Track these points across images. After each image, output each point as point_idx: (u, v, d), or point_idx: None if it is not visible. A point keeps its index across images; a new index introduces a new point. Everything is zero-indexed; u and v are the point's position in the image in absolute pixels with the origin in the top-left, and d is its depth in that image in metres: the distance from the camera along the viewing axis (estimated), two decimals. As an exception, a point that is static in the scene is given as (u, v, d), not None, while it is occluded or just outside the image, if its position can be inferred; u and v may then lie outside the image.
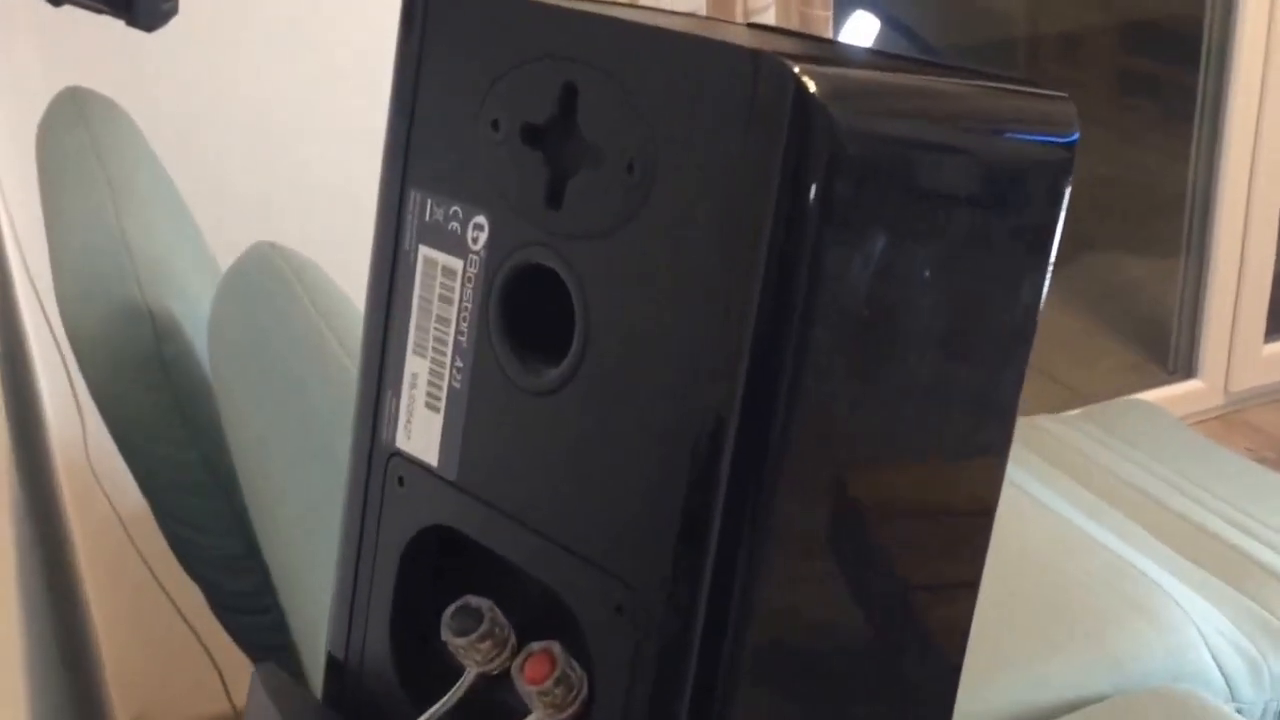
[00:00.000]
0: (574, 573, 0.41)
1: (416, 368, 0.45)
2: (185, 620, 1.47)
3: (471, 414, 0.43)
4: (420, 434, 0.45)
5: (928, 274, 0.38)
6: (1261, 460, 1.89)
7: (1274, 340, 2.50)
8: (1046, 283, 0.41)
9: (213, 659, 1.52)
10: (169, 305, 1.10)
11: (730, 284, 0.36)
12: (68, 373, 1.22)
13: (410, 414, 0.45)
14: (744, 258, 0.36)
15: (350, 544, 0.48)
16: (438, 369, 0.44)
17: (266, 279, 1.03)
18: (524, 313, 0.42)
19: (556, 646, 0.42)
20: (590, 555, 0.40)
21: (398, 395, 0.46)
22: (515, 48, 0.41)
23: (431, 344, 0.44)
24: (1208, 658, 1.20)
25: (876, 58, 0.44)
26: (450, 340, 0.44)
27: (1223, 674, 1.19)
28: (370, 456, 0.47)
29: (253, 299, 1.04)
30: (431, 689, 0.46)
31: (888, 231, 0.37)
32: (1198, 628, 1.21)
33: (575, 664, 0.42)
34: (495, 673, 0.44)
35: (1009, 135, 0.40)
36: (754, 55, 0.36)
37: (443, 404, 0.44)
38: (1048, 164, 0.40)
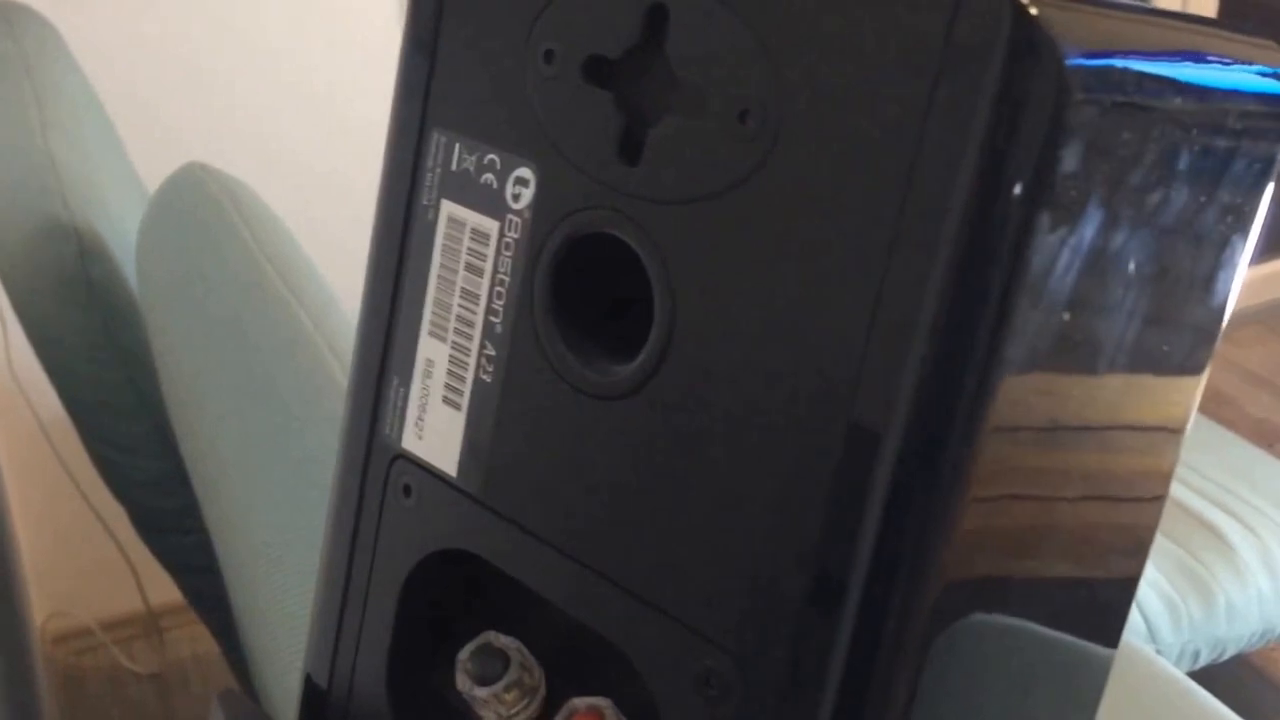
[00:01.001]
0: (639, 624, 0.28)
1: (433, 353, 0.31)
2: (103, 522, 1.31)
3: (504, 415, 0.30)
4: (435, 435, 0.31)
5: (1133, 267, 0.26)
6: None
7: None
8: (1241, 276, 0.29)
9: (128, 559, 1.37)
10: (95, 225, 0.93)
11: (894, 279, 0.24)
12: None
13: (423, 409, 0.32)
14: (917, 248, 0.23)
15: (338, 558, 0.34)
16: (460, 356, 0.31)
17: (198, 203, 0.87)
18: (583, 292, 0.29)
19: (608, 707, 0.30)
20: (665, 605, 0.27)
21: (406, 385, 0.32)
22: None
23: (453, 325, 0.31)
24: (1128, 599, 1.11)
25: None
26: (479, 321, 0.30)
27: (1142, 615, 1.10)
28: (367, 456, 0.33)
29: (183, 224, 0.87)
30: (433, 732, 0.33)
31: (1104, 213, 0.24)
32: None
33: (627, 726, 0.30)
34: (517, 723, 0.32)
35: (1243, 90, 0.27)
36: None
37: (465, 400, 0.31)
38: (1264, 129, 0.28)
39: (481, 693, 0.31)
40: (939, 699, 0.27)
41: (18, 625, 1.18)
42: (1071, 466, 0.27)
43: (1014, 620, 0.28)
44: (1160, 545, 1.20)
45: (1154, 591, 1.13)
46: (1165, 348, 0.29)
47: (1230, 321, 0.31)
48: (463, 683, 0.31)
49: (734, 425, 0.26)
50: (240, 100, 1.47)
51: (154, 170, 0.95)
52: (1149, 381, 0.29)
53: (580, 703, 0.30)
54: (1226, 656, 1.23)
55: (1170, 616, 1.13)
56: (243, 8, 1.45)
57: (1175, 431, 0.31)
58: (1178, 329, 0.29)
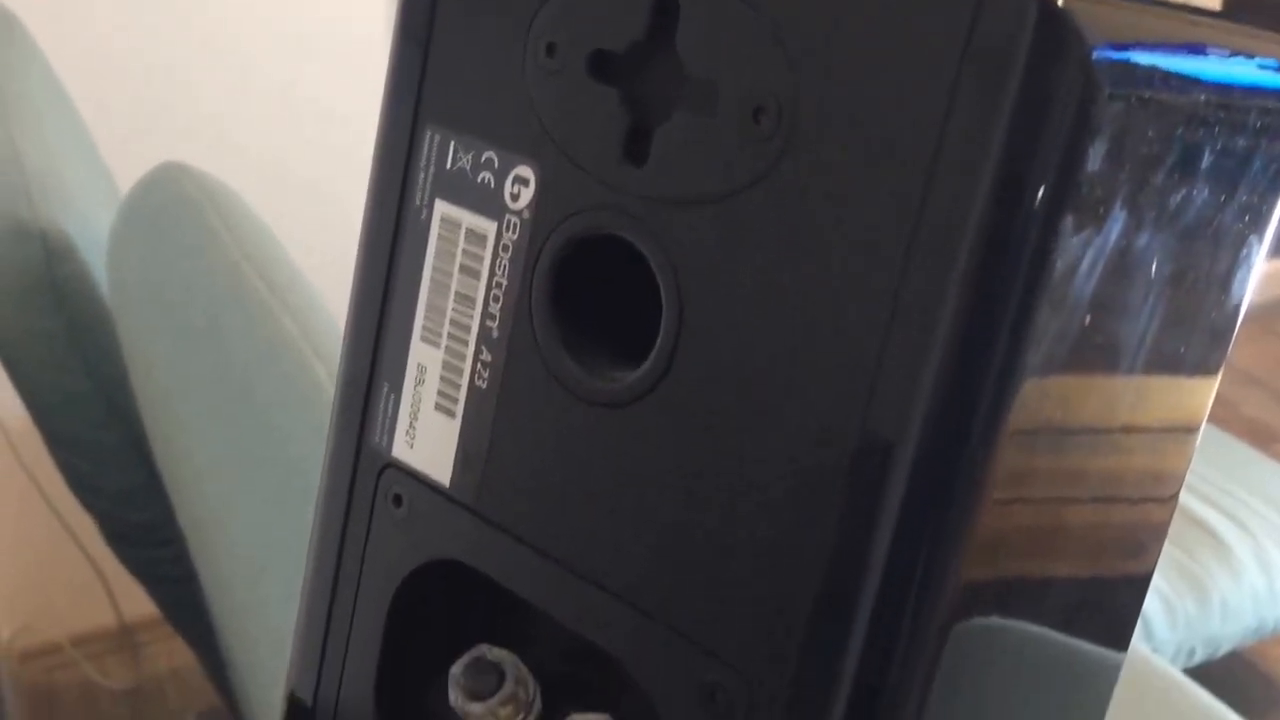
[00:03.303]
0: (641, 638, 0.27)
1: (425, 359, 0.31)
2: (72, 534, 1.30)
3: (500, 423, 0.29)
4: (427, 443, 0.31)
5: (1153, 268, 0.26)
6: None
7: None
8: (1257, 276, 0.29)
9: (100, 572, 1.36)
10: (63, 225, 0.92)
11: (911, 285, 0.23)
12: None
13: (414, 417, 0.31)
14: (936, 253, 0.23)
15: (324, 569, 0.33)
16: (454, 362, 0.30)
17: (173, 203, 0.86)
18: (584, 296, 0.29)
19: (608, 724, 0.29)
20: (669, 619, 0.27)
21: (397, 391, 0.31)
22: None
23: (447, 329, 0.30)
24: (1124, 599, 1.12)
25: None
26: (474, 326, 0.30)
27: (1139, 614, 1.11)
28: (355, 465, 0.32)
29: (158, 225, 0.86)
30: (425, 751, 0.32)
31: (1127, 213, 0.24)
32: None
33: (629, 745, 0.29)
34: (513, 740, 0.31)
35: (1264, 87, 0.27)
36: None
37: (460, 408, 0.30)
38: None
39: (475, 708, 0.30)
40: (947, 710, 0.26)
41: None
42: (1087, 469, 0.27)
43: (1025, 627, 0.28)
44: (1156, 547, 1.20)
45: (1150, 591, 1.14)
46: (1182, 349, 0.28)
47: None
48: (455, 698, 0.30)
49: (742, 434, 0.26)
50: (220, 100, 1.46)
51: (129, 172, 0.95)
52: (1166, 383, 0.29)
53: (580, 718, 0.29)
54: (1221, 653, 1.23)
55: (1166, 615, 1.13)
56: (223, 6, 1.44)
57: (1191, 432, 0.31)
58: (1195, 330, 0.28)
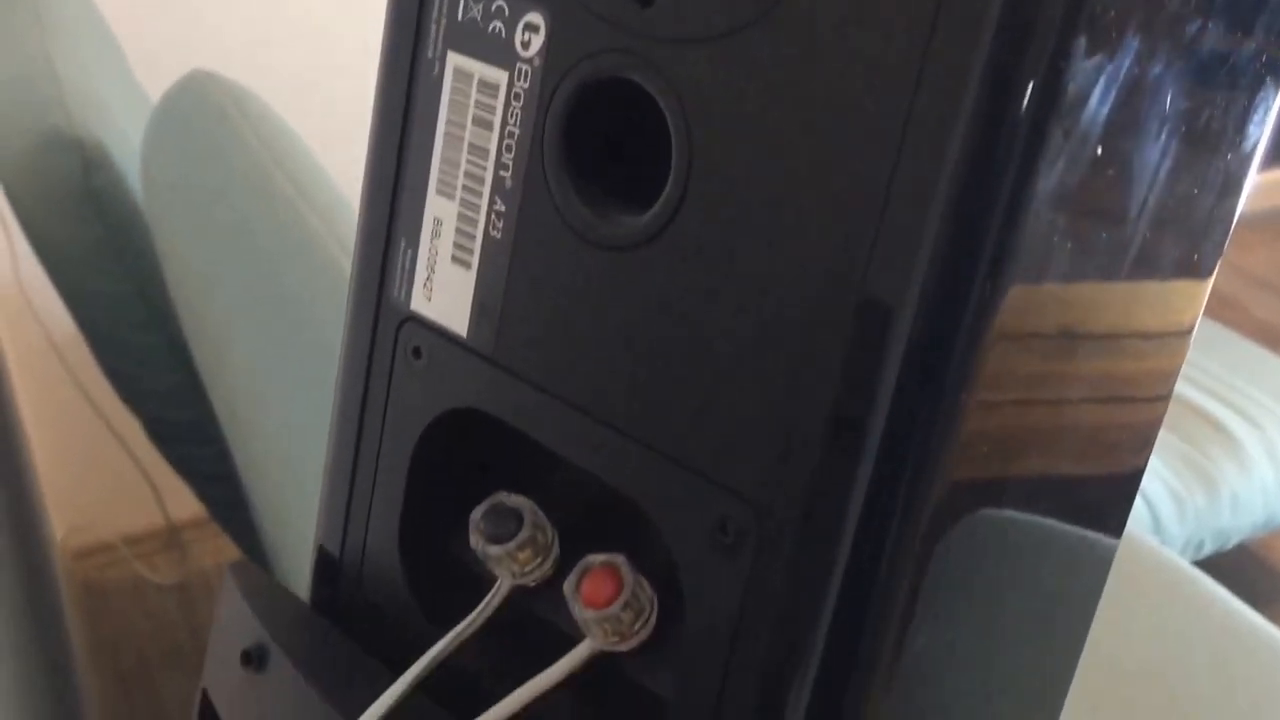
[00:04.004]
0: (654, 476, 0.27)
1: (441, 212, 0.30)
2: (120, 439, 1.31)
3: (515, 272, 0.29)
4: (445, 295, 0.31)
5: (1169, 103, 0.25)
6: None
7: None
8: (1270, 124, 0.28)
9: (147, 475, 1.37)
10: (98, 135, 0.92)
11: (917, 116, 0.23)
12: (-7, 203, 1.03)
13: (431, 270, 0.31)
14: (946, 78, 0.22)
15: (348, 424, 0.33)
16: (469, 214, 0.30)
17: (203, 111, 0.85)
18: (595, 142, 0.28)
19: (623, 562, 0.29)
20: (680, 455, 0.27)
21: (414, 246, 0.31)
22: None
23: (462, 181, 0.30)
24: (1135, 492, 1.11)
25: None
26: (488, 177, 0.29)
27: (1149, 508, 1.10)
28: (376, 320, 0.32)
29: (188, 131, 0.86)
30: (450, 598, 0.32)
31: (1142, 40, 0.23)
32: (1125, 464, 1.12)
33: (645, 582, 0.29)
34: (532, 585, 0.31)
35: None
36: None
37: (475, 258, 0.30)
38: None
39: (495, 551, 0.30)
40: (953, 556, 0.26)
41: (37, 540, 1.19)
42: (1093, 315, 0.26)
43: (1026, 485, 0.28)
44: (1166, 440, 1.19)
45: (1160, 485, 1.13)
46: (1195, 192, 0.27)
47: (1236, 226, 0.30)
48: (476, 542, 0.30)
49: (750, 275, 0.25)
50: (250, 14, 1.45)
51: (160, 86, 0.94)
52: (1174, 234, 0.28)
53: (595, 559, 0.29)
54: (1230, 546, 1.23)
55: (1176, 509, 1.13)
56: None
57: (1202, 280, 0.30)
58: (1207, 179, 0.28)
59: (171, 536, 1.47)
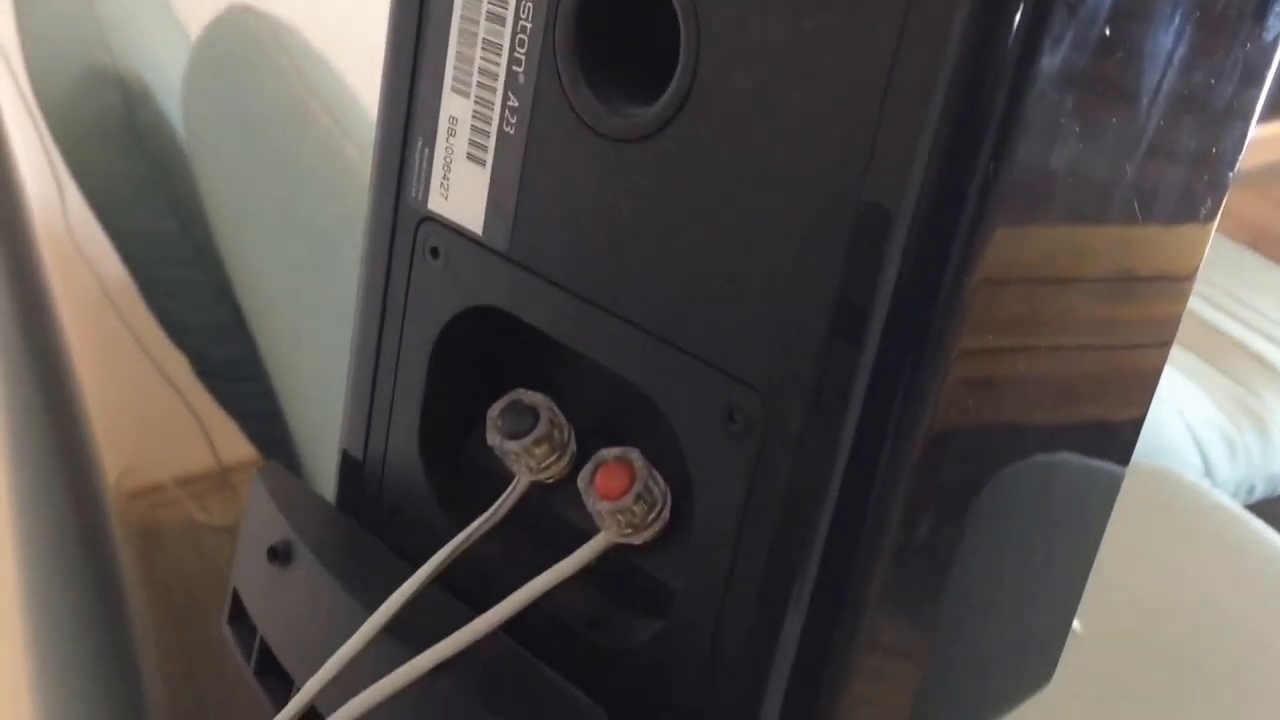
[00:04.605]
0: (665, 367, 0.28)
1: (456, 109, 0.31)
2: (170, 382, 1.33)
3: (529, 167, 0.30)
4: (461, 194, 0.31)
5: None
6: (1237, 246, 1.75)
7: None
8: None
9: (198, 417, 1.40)
10: (140, 72, 0.93)
11: (915, 11, 0.23)
12: (44, 144, 1.05)
13: (448, 169, 0.31)
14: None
15: (369, 326, 0.34)
16: (484, 110, 0.30)
17: (241, 45, 0.86)
18: (606, 35, 0.28)
19: (636, 455, 0.30)
20: (690, 346, 0.27)
21: (431, 145, 0.32)
22: None
23: (476, 78, 0.30)
24: (1185, 435, 1.10)
25: None
26: (502, 73, 0.30)
27: (1200, 451, 1.09)
28: (394, 222, 0.33)
29: (228, 65, 0.87)
30: (469, 496, 0.33)
31: None
32: (1177, 406, 1.11)
33: (658, 475, 0.30)
34: (550, 481, 0.32)
35: None
36: None
37: (490, 155, 0.30)
38: None
39: (512, 446, 0.31)
40: (955, 445, 0.26)
41: (91, 482, 1.22)
42: (1100, 204, 0.27)
43: (1034, 376, 0.28)
44: (1217, 382, 1.18)
45: (1212, 428, 1.12)
46: (1212, 82, 0.27)
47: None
48: (494, 438, 0.31)
49: (756, 166, 0.25)
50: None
51: (197, 18, 0.95)
52: (1193, 120, 0.28)
53: (608, 453, 0.30)
54: (1280, 490, 1.22)
55: (1227, 452, 1.12)
56: None
57: (1207, 220, 0.30)
58: (1219, 79, 0.27)
59: (222, 478, 1.50)
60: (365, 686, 0.29)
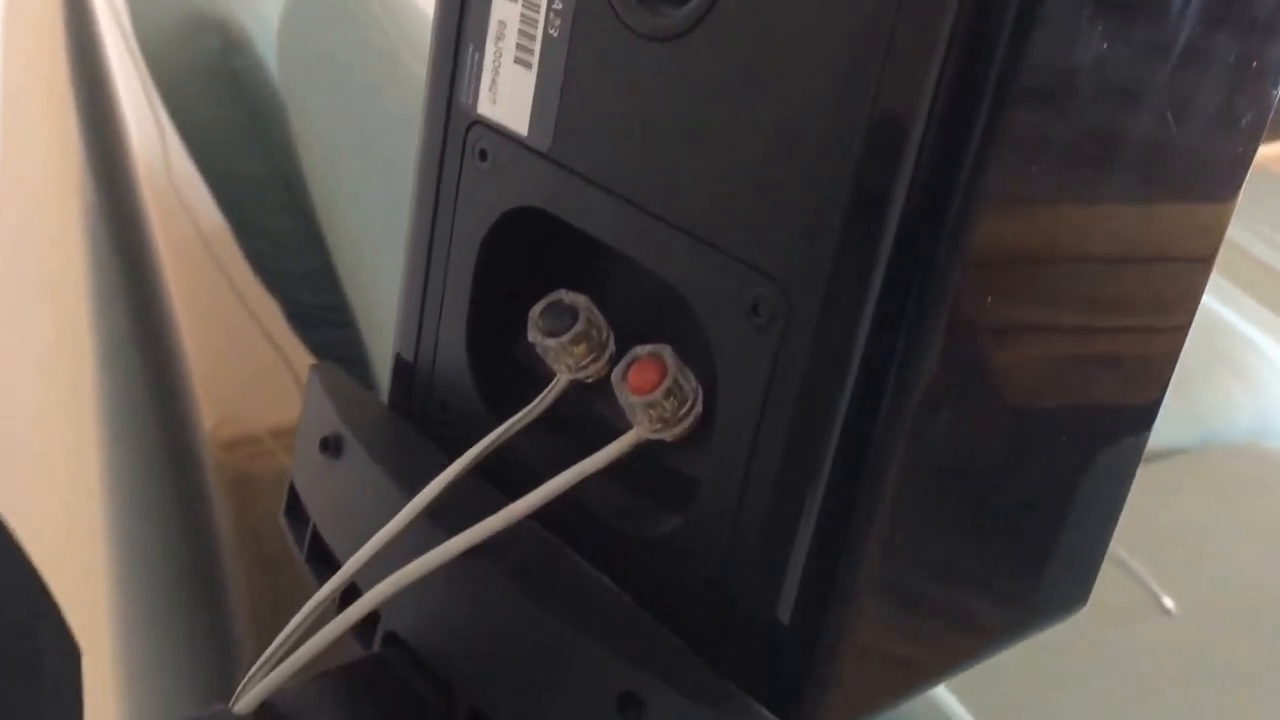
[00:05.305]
0: (695, 262, 0.29)
1: (504, 14, 0.32)
2: (266, 333, 1.38)
3: (571, 68, 0.31)
4: (508, 97, 0.33)
5: None
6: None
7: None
8: None
9: (292, 368, 1.44)
10: (238, 17, 0.97)
11: None
12: (145, 89, 1.10)
13: (496, 72, 0.33)
14: None
15: (421, 230, 0.36)
16: (530, 14, 0.32)
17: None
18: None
19: (668, 351, 0.31)
20: (718, 240, 0.28)
21: (481, 50, 0.33)
22: None
23: (523, -18, 0.32)
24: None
25: None
26: None
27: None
28: (446, 126, 0.35)
29: (322, 14, 0.90)
30: (513, 396, 0.35)
31: None
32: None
33: (689, 373, 0.31)
34: (590, 380, 0.33)
35: None
36: None
37: (535, 58, 0.32)
38: None
39: (551, 344, 0.32)
40: (975, 342, 0.27)
41: (188, 431, 1.26)
42: (1125, 116, 0.27)
43: (1052, 274, 0.28)
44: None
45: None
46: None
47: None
48: (534, 336, 0.33)
49: (781, 63, 0.26)
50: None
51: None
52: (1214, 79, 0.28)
53: (642, 350, 0.31)
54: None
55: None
56: None
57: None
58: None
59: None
60: (403, 566, 0.31)
